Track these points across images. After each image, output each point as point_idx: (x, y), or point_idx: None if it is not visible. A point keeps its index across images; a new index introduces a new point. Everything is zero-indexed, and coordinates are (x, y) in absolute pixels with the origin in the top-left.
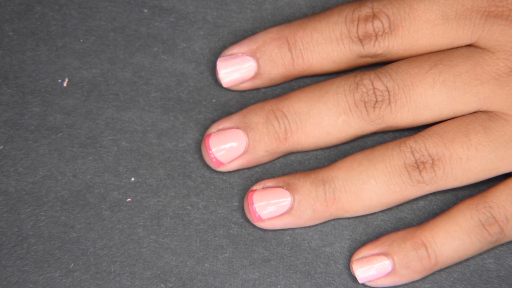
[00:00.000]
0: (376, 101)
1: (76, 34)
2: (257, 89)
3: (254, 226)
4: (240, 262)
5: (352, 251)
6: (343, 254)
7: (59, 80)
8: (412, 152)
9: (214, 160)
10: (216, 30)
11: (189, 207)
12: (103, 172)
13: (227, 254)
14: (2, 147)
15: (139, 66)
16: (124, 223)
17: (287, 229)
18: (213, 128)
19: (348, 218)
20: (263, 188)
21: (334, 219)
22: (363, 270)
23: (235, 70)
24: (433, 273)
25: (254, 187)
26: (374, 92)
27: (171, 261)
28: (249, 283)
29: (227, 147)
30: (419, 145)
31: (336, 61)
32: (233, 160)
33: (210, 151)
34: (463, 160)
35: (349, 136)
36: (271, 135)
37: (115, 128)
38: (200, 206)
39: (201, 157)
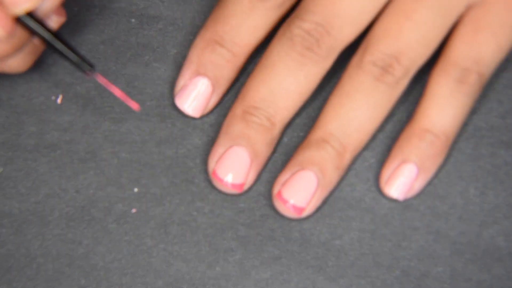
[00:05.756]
0: (317, 38)
1: None
2: None
3: (262, 226)
4: (251, 263)
5: (362, 242)
6: (352, 245)
7: (53, 97)
8: (375, 65)
9: (231, 186)
10: None
11: (195, 213)
12: (106, 185)
13: (238, 256)
14: (2, 169)
15: (132, 76)
16: (131, 235)
17: (295, 226)
18: (212, 163)
19: (355, 209)
20: (283, 185)
21: (340, 212)
22: (396, 186)
23: (195, 97)
24: (445, 255)
25: (275, 190)
26: (309, 34)
27: (182, 268)
28: (262, 282)
29: (235, 167)
30: (377, 54)
31: (265, 26)
32: (247, 174)
33: (224, 181)
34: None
35: (320, 79)
36: (259, 130)
37: (113, 140)
38: (206, 211)
39: (202, 162)
